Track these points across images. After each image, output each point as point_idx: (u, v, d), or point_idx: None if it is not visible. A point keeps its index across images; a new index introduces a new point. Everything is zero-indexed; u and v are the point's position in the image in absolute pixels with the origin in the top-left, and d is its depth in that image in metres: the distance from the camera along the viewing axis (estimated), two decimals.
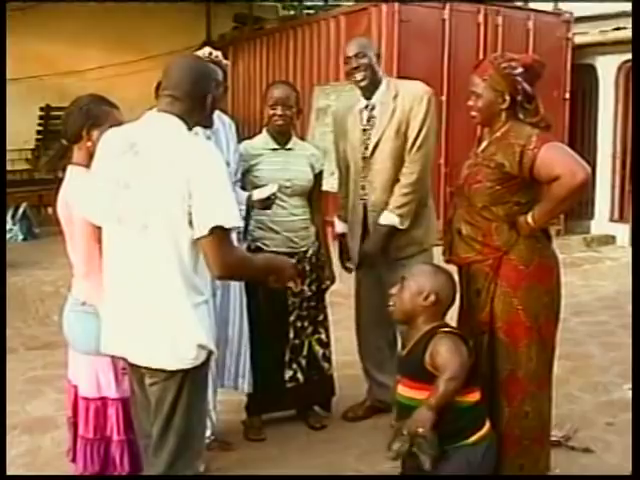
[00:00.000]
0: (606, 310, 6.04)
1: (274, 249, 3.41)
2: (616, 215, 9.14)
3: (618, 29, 8.44)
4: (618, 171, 9.05)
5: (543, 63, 2.76)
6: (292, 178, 3.49)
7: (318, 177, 3.64)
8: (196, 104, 2.29)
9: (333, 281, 3.74)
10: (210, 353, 2.30)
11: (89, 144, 2.59)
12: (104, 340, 2.38)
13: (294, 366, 3.60)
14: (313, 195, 3.64)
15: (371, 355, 3.82)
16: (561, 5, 9.38)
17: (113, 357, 2.54)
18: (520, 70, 2.67)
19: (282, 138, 3.56)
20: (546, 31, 8.61)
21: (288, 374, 3.59)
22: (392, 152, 3.47)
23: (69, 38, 10.63)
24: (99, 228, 2.42)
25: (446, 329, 2.66)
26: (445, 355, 2.51)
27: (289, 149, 3.57)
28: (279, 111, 3.48)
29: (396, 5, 7.62)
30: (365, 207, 3.58)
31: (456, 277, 2.90)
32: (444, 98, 7.70)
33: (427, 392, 2.52)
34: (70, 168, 2.64)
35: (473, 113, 2.79)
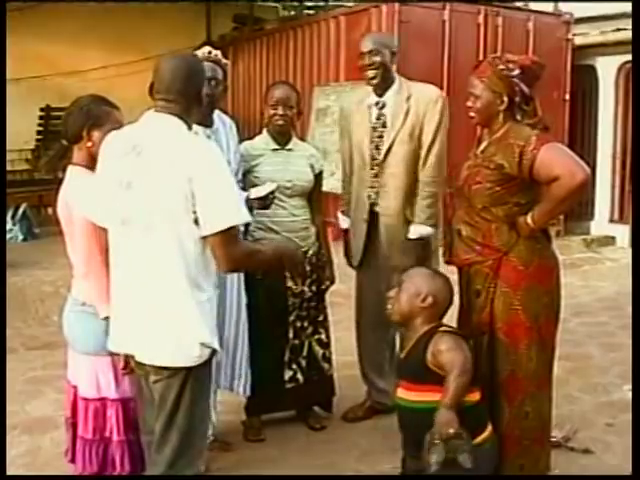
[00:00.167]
0: (606, 311, 6.04)
1: None
2: (616, 216, 9.14)
3: (618, 30, 8.44)
4: (618, 172, 9.05)
5: (542, 64, 2.77)
6: (292, 179, 3.49)
7: (318, 178, 3.65)
8: (191, 102, 2.31)
9: (333, 282, 3.74)
10: (214, 351, 2.31)
11: (89, 144, 2.59)
12: (111, 338, 2.40)
13: (294, 366, 3.60)
14: (313, 196, 3.64)
15: (371, 358, 3.80)
16: (561, 6, 9.38)
17: (113, 357, 2.54)
18: (518, 72, 2.67)
19: (282, 138, 3.56)
20: (546, 32, 8.61)
21: (288, 374, 3.59)
22: (405, 155, 3.46)
23: (69, 38, 10.62)
24: (100, 228, 2.42)
25: (444, 328, 2.67)
26: (449, 352, 2.53)
27: (289, 149, 3.57)
28: (280, 111, 3.48)
29: (396, 6, 7.61)
30: (372, 207, 3.57)
31: (455, 278, 2.91)
32: None
33: (429, 393, 2.52)
34: (70, 168, 2.64)
35: (472, 114, 2.79)
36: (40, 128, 10.77)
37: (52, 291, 6.12)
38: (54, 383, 4.17)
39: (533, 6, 9.24)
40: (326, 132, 8.38)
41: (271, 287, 3.48)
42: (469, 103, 2.78)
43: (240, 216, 2.20)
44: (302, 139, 4.02)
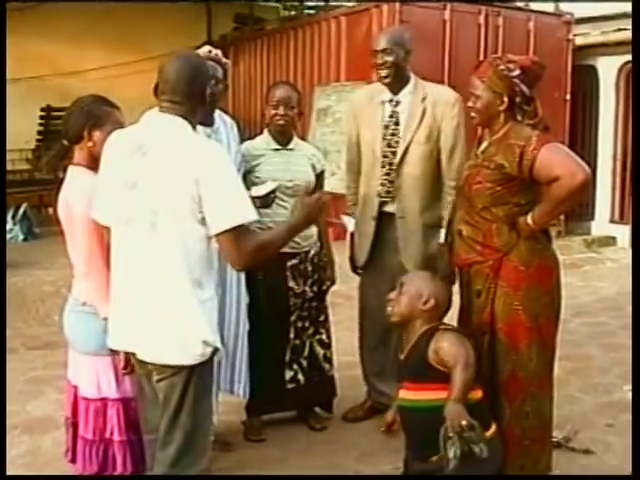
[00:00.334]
0: (606, 311, 6.04)
1: None
2: (616, 216, 9.13)
3: (619, 30, 8.43)
4: (619, 172, 9.04)
5: (542, 65, 2.76)
6: (293, 178, 3.49)
7: (320, 177, 3.64)
8: (196, 103, 2.32)
9: (334, 282, 3.73)
10: (216, 350, 2.32)
11: (90, 144, 2.60)
12: (111, 336, 2.40)
13: (295, 367, 3.60)
14: None
15: (373, 360, 3.77)
16: (562, 6, 9.38)
17: (114, 357, 2.54)
18: (518, 72, 2.67)
19: (283, 138, 3.56)
20: (547, 32, 8.60)
21: (289, 375, 3.59)
22: (422, 156, 3.43)
23: (69, 38, 10.63)
24: (101, 228, 2.43)
25: (445, 326, 2.68)
26: (451, 348, 2.53)
27: (290, 149, 3.57)
28: (281, 111, 3.48)
29: (397, 6, 7.61)
30: (381, 206, 3.53)
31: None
32: None
33: (432, 391, 2.51)
34: (71, 168, 2.64)
35: (472, 114, 2.79)
36: (41, 128, 10.77)
37: (53, 291, 6.12)
38: (55, 383, 4.17)
39: (534, 6, 9.23)
40: (326, 132, 8.38)
41: (272, 287, 3.48)
42: (470, 103, 2.78)
43: (248, 214, 2.21)
44: (303, 139, 4.01)
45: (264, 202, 3.24)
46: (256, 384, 3.48)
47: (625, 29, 7.98)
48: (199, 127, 2.66)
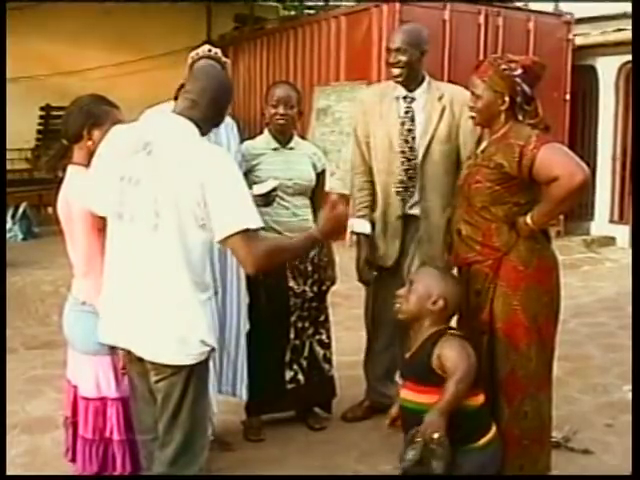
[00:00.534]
0: (606, 311, 6.04)
1: None
2: (616, 216, 9.14)
3: (619, 30, 8.44)
4: (618, 172, 9.05)
5: (543, 65, 2.76)
6: (294, 177, 3.49)
7: (320, 176, 3.64)
8: (215, 114, 2.36)
9: (334, 282, 3.72)
10: (213, 349, 2.34)
11: (89, 144, 2.60)
12: (105, 331, 2.39)
13: (295, 367, 3.60)
14: (316, 195, 3.62)
15: (379, 365, 3.75)
16: (562, 6, 9.38)
17: (113, 357, 2.54)
18: (519, 71, 2.67)
19: (284, 138, 3.55)
20: (547, 32, 8.61)
21: (289, 375, 3.59)
22: (443, 154, 3.41)
23: (69, 38, 10.61)
24: (100, 228, 2.42)
25: (452, 331, 2.66)
26: (453, 357, 2.51)
27: (291, 148, 3.57)
28: (281, 110, 3.47)
29: (397, 5, 7.62)
30: (403, 206, 3.49)
31: None
32: None
33: (433, 395, 2.50)
34: (70, 168, 2.64)
35: (473, 114, 2.79)
36: (40, 127, 10.77)
37: (52, 290, 6.12)
38: (54, 383, 4.17)
39: (534, 6, 9.25)
40: (326, 132, 8.38)
41: (272, 287, 3.47)
42: (470, 103, 2.78)
43: (255, 220, 2.18)
44: (303, 138, 4.01)
45: (265, 201, 3.24)
46: (256, 384, 3.47)
47: (625, 29, 7.98)
48: None
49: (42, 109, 10.69)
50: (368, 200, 3.58)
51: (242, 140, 3.54)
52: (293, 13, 11.56)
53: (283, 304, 3.53)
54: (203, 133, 2.31)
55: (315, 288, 3.61)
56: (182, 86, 2.38)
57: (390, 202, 3.52)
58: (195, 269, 2.24)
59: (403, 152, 3.46)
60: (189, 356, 2.26)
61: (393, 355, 3.68)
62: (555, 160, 2.58)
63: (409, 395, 2.64)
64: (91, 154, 2.55)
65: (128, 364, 2.43)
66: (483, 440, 2.55)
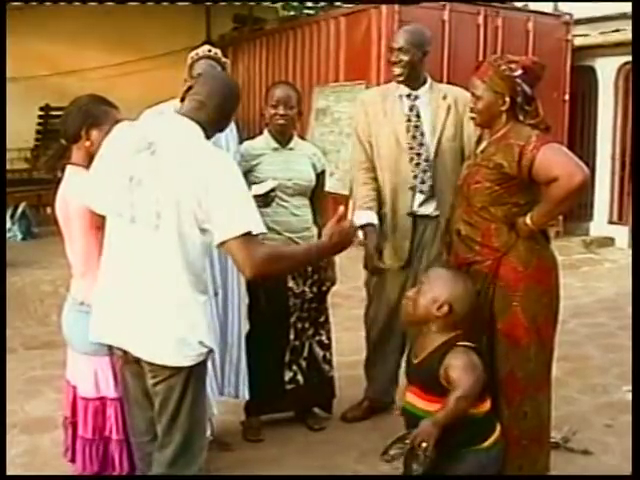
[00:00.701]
0: (605, 312, 6.04)
1: None
2: (615, 217, 9.13)
3: (618, 31, 8.44)
4: (617, 173, 9.04)
5: (543, 65, 2.76)
6: (293, 177, 3.49)
7: (320, 177, 3.64)
8: (221, 118, 2.36)
9: (334, 282, 3.72)
10: (211, 350, 2.33)
11: (88, 144, 2.59)
12: (100, 330, 2.38)
13: (294, 368, 3.60)
14: (315, 195, 3.63)
15: (384, 373, 3.73)
16: (561, 6, 9.37)
17: (112, 357, 2.54)
18: (520, 72, 2.66)
19: (283, 138, 3.55)
20: (546, 33, 8.60)
21: (288, 375, 3.59)
22: (452, 152, 3.44)
23: (69, 38, 10.61)
24: (98, 227, 2.42)
25: (463, 343, 2.56)
26: (460, 372, 2.45)
27: (290, 149, 3.57)
28: (281, 111, 3.47)
29: (396, 6, 7.61)
30: (412, 203, 3.47)
31: None
32: None
33: (437, 405, 2.48)
34: (69, 168, 2.64)
35: (473, 115, 2.79)
36: (39, 127, 10.77)
37: (51, 291, 6.12)
38: (53, 383, 4.17)
39: (533, 7, 9.24)
40: (325, 132, 8.38)
41: (272, 287, 3.45)
42: (470, 104, 2.78)
43: (258, 225, 2.16)
44: (303, 139, 4.01)
45: (264, 201, 3.23)
46: (255, 384, 3.47)
47: (624, 30, 7.98)
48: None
49: (41, 109, 10.69)
50: (373, 195, 3.53)
51: (241, 140, 3.54)
52: (292, 14, 11.54)
53: (282, 304, 3.53)
54: (208, 136, 2.30)
55: (315, 289, 3.60)
56: (190, 88, 2.38)
57: (398, 199, 3.50)
58: (195, 270, 2.24)
59: (412, 148, 3.46)
60: (187, 357, 2.25)
61: (398, 357, 3.66)
62: (555, 160, 2.58)
63: (414, 400, 2.60)
64: (89, 154, 2.55)
65: (123, 365, 2.43)
66: (488, 442, 2.54)
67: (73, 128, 2.62)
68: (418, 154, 3.46)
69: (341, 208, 2.29)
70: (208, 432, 3.23)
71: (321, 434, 3.68)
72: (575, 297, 6.36)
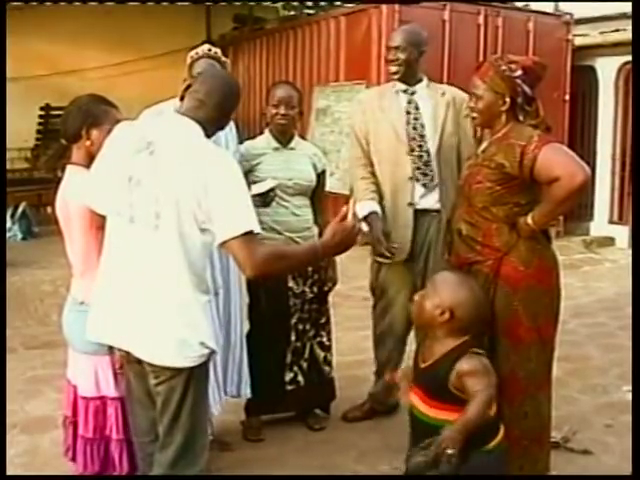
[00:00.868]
0: (605, 312, 6.04)
1: None
2: (615, 217, 9.14)
3: (618, 31, 8.44)
4: (618, 173, 9.05)
5: (544, 65, 2.76)
6: (294, 177, 3.48)
7: (321, 177, 3.63)
8: (221, 117, 2.35)
9: (335, 283, 3.71)
10: (212, 352, 2.32)
11: (88, 143, 2.59)
12: (98, 329, 2.37)
13: (295, 369, 3.59)
14: (316, 195, 3.62)
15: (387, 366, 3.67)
16: (561, 6, 9.38)
17: (112, 356, 2.54)
18: (520, 72, 2.66)
19: (284, 138, 3.55)
20: (546, 32, 8.62)
21: (289, 376, 3.58)
22: (452, 147, 3.47)
23: (69, 38, 10.62)
24: (98, 227, 2.42)
25: (474, 350, 2.52)
26: (478, 380, 2.42)
27: (291, 149, 3.57)
28: (282, 110, 3.47)
29: (396, 6, 7.62)
30: (413, 194, 3.46)
31: None
32: None
33: (442, 411, 2.47)
34: (69, 168, 2.64)
35: (474, 115, 2.79)
36: (40, 127, 10.78)
37: (51, 290, 6.12)
38: (54, 382, 4.16)
39: (533, 6, 9.25)
40: (325, 132, 8.39)
41: (272, 287, 3.45)
42: (471, 104, 2.78)
43: (256, 224, 2.16)
44: (303, 139, 4.01)
45: (263, 201, 3.23)
46: (256, 385, 3.47)
47: (624, 30, 7.98)
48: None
49: (42, 109, 10.71)
50: (373, 187, 3.53)
51: (241, 140, 3.54)
52: (293, 13, 11.55)
53: (283, 304, 3.52)
54: (208, 135, 2.29)
55: (315, 289, 3.60)
56: (189, 86, 2.37)
57: (398, 191, 3.50)
58: (196, 270, 2.23)
59: (414, 139, 3.47)
60: (188, 358, 2.24)
61: (400, 354, 3.66)
62: (556, 160, 2.58)
63: (421, 406, 2.56)
64: (90, 154, 2.55)
65: (125, 365, 2.42)
66: (491, 444, 2.54)
67: (73, 128, 2.62)
68: (420, 146, 3.47)
69: (344, 207, 2.26)
70: (208, 432, 3.23)
71: (321, 434, 3.68)
72: (575, 297, 6.36)
